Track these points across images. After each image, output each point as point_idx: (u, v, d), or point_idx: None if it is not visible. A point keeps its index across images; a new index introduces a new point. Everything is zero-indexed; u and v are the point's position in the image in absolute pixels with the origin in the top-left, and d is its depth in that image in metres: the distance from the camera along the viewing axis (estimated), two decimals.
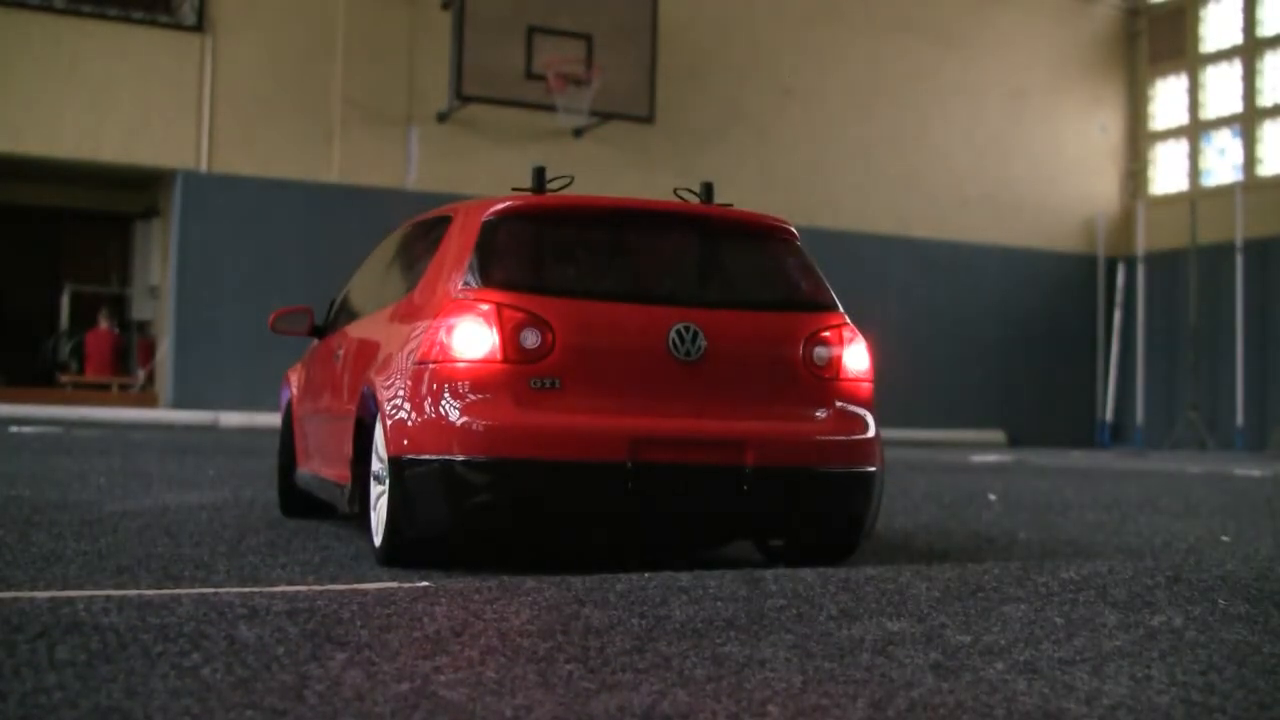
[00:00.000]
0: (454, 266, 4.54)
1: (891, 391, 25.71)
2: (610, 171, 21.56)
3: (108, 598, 3.37)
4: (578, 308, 4.41)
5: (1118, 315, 24.44)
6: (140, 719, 2.22)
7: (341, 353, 5.61)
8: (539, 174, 4.84)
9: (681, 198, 5.00)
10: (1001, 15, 24.86)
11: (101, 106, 18.95)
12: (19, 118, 18.60)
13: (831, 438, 4.60)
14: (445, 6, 20.08)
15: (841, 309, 4.88)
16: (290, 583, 4.06)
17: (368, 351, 5.10)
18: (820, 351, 4.66)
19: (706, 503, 4.47)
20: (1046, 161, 25.14)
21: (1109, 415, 24.45)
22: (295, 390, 6.56)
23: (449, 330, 4.33)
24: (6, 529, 5.21)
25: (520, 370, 4.28)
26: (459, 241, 4.63)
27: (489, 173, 20.82)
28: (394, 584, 3.98)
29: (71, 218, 22.54)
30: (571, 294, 4.46)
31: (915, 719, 2.43)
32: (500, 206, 4.65)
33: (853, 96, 23.55)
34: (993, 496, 8.99)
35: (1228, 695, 2.67)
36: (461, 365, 4.29)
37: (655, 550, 5.09)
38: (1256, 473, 13.60)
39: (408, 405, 4.38)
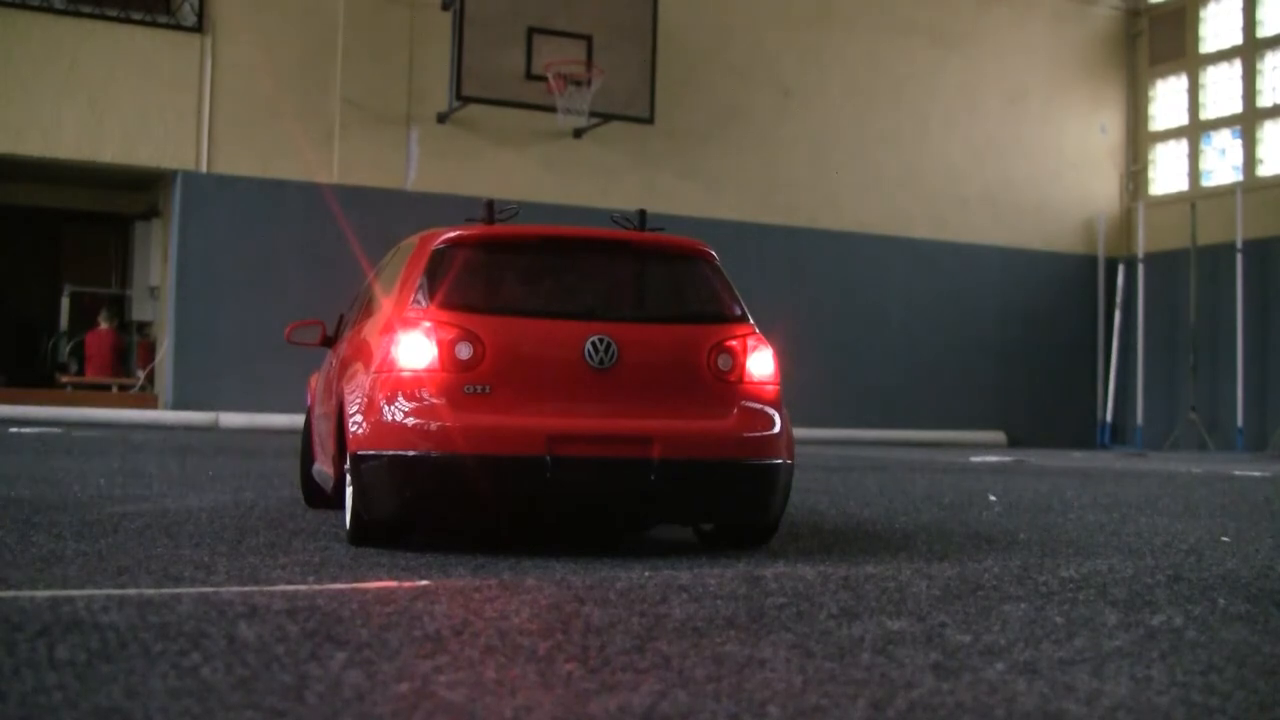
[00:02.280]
0: (408, 288, 5.27)
1: (891, 392, 25.72)
2: (610, 172, 21.56)
3: (107, 596, 3.37)
4: (506, 324, 5.08)
5: (1118, 316, 24.44)
6: None
7: (334, 362, 6.30)
8: (488, 206, 5.54)
9: (618, 224, 5.72)
10: (1001, 16, 24.86)
11: (101, 107, 18.95)
12: (19, 118, 18.60)
13: (733, 434, 5.12)
14: (445, 7, 20.08)
15: (750, 321, 5.44)
16: (290, 583, 4.06)
17: (346, 361, 5.81)
18: (724, 358, 5.21)
19: (618, 491, 5.03)
20: (1046, 162, 25.14)
21: (1109, 416, 24.45)
22: (311, 394, 7.26)
23: (398, 344, 5.04)
24: (6, 530, 5.21)
25: (456, 378, 4.95)
26: (414, 266, 5.35)
27: (489, 174, 20.82)
28: (394, 583, 3.99)
29: (71, 218, 22.53)
30: (502, 312, 5.15)
31: None
32: (448, 236, 5.37)
33: (852, 97, 23.55)
34: (993, 497, 8.99)
35: (1228, 696, 2.66)
36: (407, 374, 4.98)
37: (583, 535, 5.72)
38: (1257, 473, 13.60)
39: (365, 408, 5.08)
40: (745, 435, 5.13)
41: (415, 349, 4.98)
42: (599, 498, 5.06)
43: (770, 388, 5.28)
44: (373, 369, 5.12)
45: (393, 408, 4.94)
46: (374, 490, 4.97)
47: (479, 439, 4.84)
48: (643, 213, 5.72)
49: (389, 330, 5.14)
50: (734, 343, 5.25)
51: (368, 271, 7.06)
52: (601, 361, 5.00)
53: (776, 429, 5.22)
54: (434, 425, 4.86)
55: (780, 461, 5.19)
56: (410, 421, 4.90)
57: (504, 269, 5.40)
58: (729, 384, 5.19)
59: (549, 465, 4.83)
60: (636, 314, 5.40)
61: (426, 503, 4.98)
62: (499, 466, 4.85)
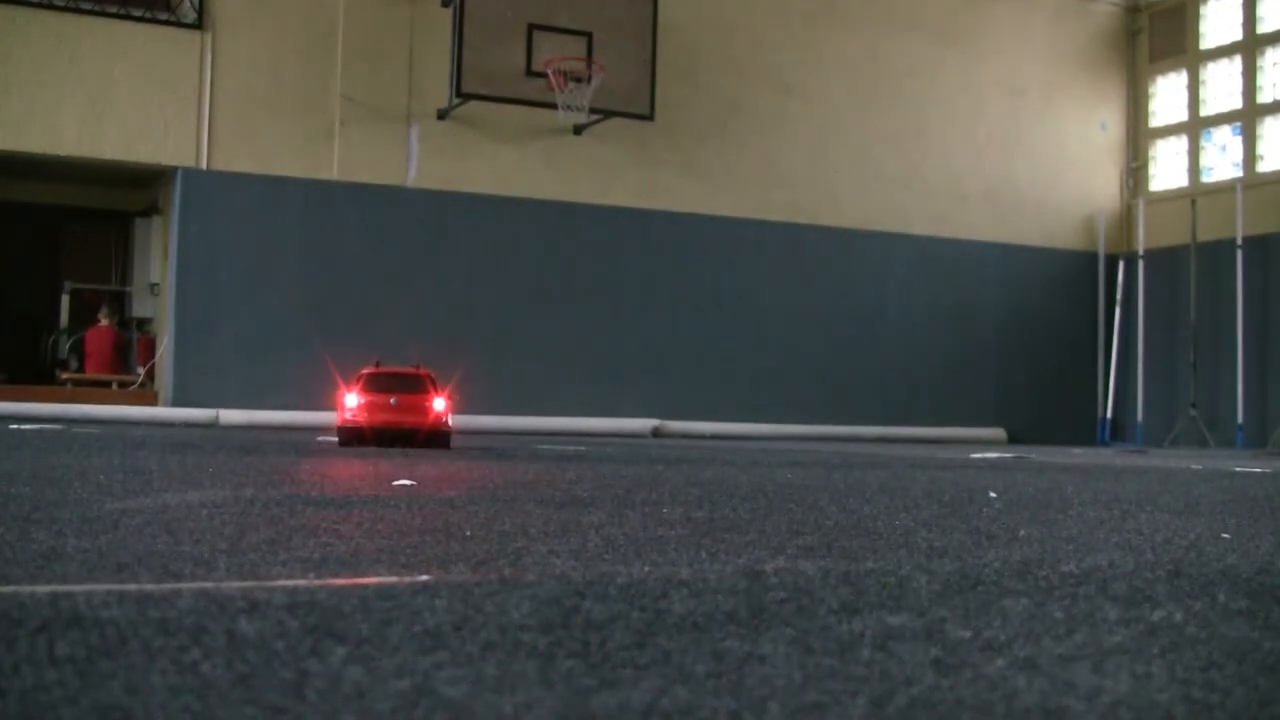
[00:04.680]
0: (353, 382, 12.81)
1: (891, 389, 25.75)
2: (610, 168, 21.56)
3: (107, 592, 3.36)
4: (372, 394, 12.54)
5: (1118, 312, 24.45)
6: (140, 717, 2.22)
7: (342, 395, 13.34)
8: (377, 360, 13.18)
9: (416, 366, 13.08)
10: (1002, 12, 24.86)
11: (101, 104, 18.96)
12: (19, 116, 18.60)
13: (432, 423, 12.49)
14: (445, 4, 20.07)
15: (442, 390, 12.66)
16: (290, 579, 4.05)
17: (340, 398, 13.03)
18: (429, 402, 12.56)
19: (402, 440, 12.17)
20: (1047, 159, 25.15)
21: (1109, 413, 24.47)
22: (339, 406, 13.95)
23: (348, 395, 12.58)
24: (6, 526, 5.20)
25: (364, 404, 12.51)
26: (357, 376, 12.87)
27: (489, 170, 20.82)
28: (394, 578, 3.98)
29: (71, 215, 22.54)
30: (370, 390, 12.57)
31: (915, 717, 2.43)
32: (364, 371, 12.85)
33: (853, 94, 23.55)
34: (993, 494, 8.98)
35: (1228, 692, 2.66)
36: (351, 403, 12.51)
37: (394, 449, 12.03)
38: (1257, 470, 13.60)
39: (341, 410, 12.60)
40: (436, 423, 12.45)
41: (355, 397, 12.49)
42: (396, 440, 12.16)
43: (446, 408, 12.60)
44: (344, 400, 12.60)
45: (347, 411, 12.46)
46: (343, 434, 12.44)
47: (367, 421, 12.39)
48: (419, 365, 13.16)
49: (349, 391, 12.63)
50: (434, 397, 12.59)
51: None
52: (396, 403, 12.43)
53: (450, 422, 12.66)
54: (355, 417, 12.43)
55: (447, 431, 12.53)
56: (350, 416, 12.45)
57: (375, 380, 12.75)
58: (430, 409, 12.52)
59: (380, 428, 12.30)
60: (406, 390, 12.63)
61: (353, 438, 12.25)
62: (371, 428, 12.31)
